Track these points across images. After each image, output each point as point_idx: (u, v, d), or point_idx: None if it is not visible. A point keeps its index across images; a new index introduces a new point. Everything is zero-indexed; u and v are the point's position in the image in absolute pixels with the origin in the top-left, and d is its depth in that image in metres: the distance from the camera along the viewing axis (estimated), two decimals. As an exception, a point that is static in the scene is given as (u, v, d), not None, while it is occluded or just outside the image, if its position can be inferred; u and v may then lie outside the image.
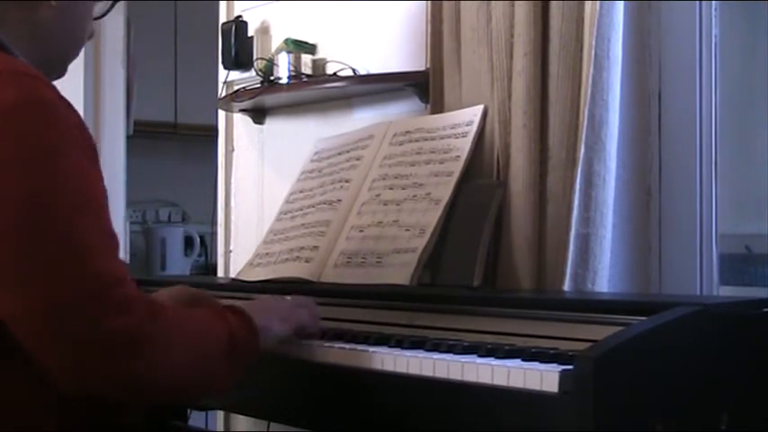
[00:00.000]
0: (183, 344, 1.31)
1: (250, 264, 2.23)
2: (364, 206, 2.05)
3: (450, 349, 1.42)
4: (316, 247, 2.05)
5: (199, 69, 3.54)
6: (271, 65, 2.54)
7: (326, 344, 1.56)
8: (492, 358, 1.35)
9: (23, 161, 1.25)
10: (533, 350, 1.35)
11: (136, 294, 1.27)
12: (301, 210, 2.21)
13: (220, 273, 2.90)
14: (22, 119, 1.26)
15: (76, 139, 1.29)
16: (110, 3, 1.59)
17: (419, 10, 2.31)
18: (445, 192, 1.92)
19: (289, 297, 1.63)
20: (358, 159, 2.17)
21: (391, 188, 2.03)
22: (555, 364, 1.27)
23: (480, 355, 1.37)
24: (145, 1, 3.93)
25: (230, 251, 2.86)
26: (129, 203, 3.72)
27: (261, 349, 1.46)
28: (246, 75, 2.70)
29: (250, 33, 2.71)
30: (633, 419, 1.23)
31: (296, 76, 2.48)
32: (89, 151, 1.32)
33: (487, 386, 1.29)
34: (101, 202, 1.30)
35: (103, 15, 1.59)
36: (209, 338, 1.37)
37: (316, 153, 2.34)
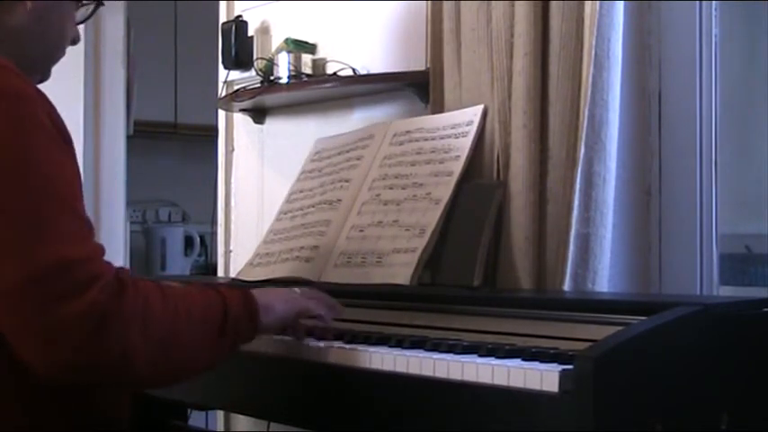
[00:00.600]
0: (165, 318, 1.30)
1: (250, 264, 2.23)
2: (364, 206, 2.05)
3: (451, 349, 1.42)
4: (316, 247, 2.05)
5: (199, 69, 3.54)
6: (271, 65, 2.54)
7: (326, 344, 1.56)
8: (492, 358, 1.35)
9: None
10: (533, 350, 1.35)
11: (103, 272, 1.25)
12: (301, 209, 2.21)
13: (220, 273, 2.90)
14: None
15: (46, 128, 1.29)
16: (92, 7, 1.58)
17: (419, 10, 2.31)
18: (445, 192, 1.92)
19: (297, 289, 1.62)
20: (358, 159, 2.17)
21: (391, 188, 2.03)
22: (555, 364, 1.27)
23: (480, 355, 1.38)
24: (145, 1, 3.93)
25: (230, 251, 2.86)
26: (129, 203, 3.72)
27: (263, 327, 1.46)
28: (246, 75, 2.70)
29: (250, 33, 2.71)
30: (633, 419, 1.23)
31: (296, 76, 2.48)
32: (60, 140, 1.32)
33: (487, 386, 1.29)
34: (70, 188, 1.30)
35: (86, 20, 1.58)
36: (199, 312, 1.36)
37: (316, 153, 2.34)
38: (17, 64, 1.37)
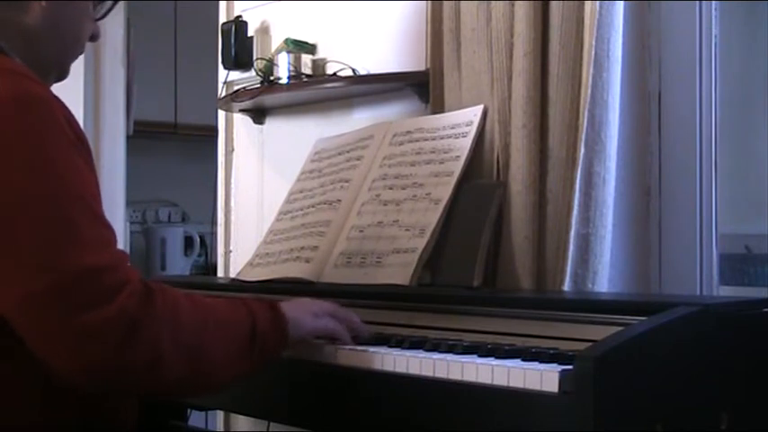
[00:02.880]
0: (193, 326, 1.30)
1: (250, 264, 2.22)
2: (364, 206, 2.05)
3: (451, 349, 1.42)
4: (316, 247, 2.05)
5: (199, 69, 3.54)
6: (271, 65, 2.54)
7: (327, 344, 1.56)
8: (492, 358, 1.35)
9: (12, 154, 1.25)
10: (533, 350, 1.35)
11: (131, 279, 1.25)
12: (301, 210, 2.21)
13: (220, 273, 2.90)
14: (10, 113, 1.27)
15: (66, 134, 1.30)
16: (109, 4, 1.59)
17: (419, 10, 2.31)
18: (445, 192, 1.92)
19: (328, 305, 1.59)
20: (358, 159, 2.17)
21: (391, 188, 2.03)
22: (555, 364, 1.27)
23: (480, 355, 1.38)
24: (145, 1, 3.93)
25: (230, 251, 2.86)
26: (129, 203, 3.72)
27: (291, 340, 1.45)
28: (246, 75, 2.70)
29: (250, 33, 2.71)
30: (633, 419, 1.23)
31: (296, 76, 2.48)
32: (79, 146, 1.32)
33: (487, 386, 1.29)
34: (91, 193, 1.30)
35: (104, 16, 1.59)
36: (227, 324, 1.36)
37: (316, 153, 2.34)
38: (34, 62, 1.38)
